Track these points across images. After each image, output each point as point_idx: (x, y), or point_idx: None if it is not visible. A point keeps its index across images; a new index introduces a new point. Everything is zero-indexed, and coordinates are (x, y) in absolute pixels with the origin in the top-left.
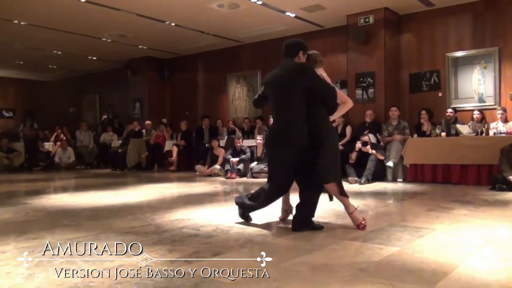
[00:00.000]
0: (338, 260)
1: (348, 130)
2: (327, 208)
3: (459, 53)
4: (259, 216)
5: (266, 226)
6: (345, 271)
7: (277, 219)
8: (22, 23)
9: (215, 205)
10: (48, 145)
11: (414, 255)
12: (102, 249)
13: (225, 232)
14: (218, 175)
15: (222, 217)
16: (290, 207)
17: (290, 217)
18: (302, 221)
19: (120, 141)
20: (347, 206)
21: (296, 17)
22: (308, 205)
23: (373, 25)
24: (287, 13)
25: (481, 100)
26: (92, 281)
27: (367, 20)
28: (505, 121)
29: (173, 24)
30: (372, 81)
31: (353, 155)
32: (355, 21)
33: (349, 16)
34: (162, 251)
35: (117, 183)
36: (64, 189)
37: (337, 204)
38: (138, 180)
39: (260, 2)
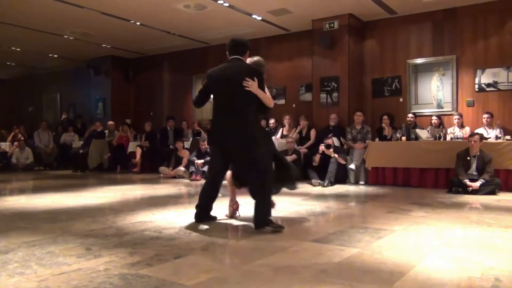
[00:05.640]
0: (299, 262)
1: (313, 133)
2: (290, 210)
3: (419, 60)
4: (222, 218)
5: (229, 228)
6: (306, 272)
7: (239, 221)
8: None
9: (178, 207)
10: (5, 145)
11: (373, 256)
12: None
13: (188, 235)
14: (183, 177)
15: (185, 219)
16: (237, 203)
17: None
18: (263, 219)
19: (82, 142)
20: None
21: (262, 20)
22: (264, 203)
23: (337, 31)
24: (253, 16)
25: (439, 106)
26: (48, 285)
27: (332, 25)
28: (462, 126)
29: (138, 23)
30: (336, 85)
31: (317, 158)
32: (320, 26)
33: (314, 21)
34: (123, 254)
35: (78, 184)
36: (21, 191)
37: (300, 207)
38: (99, 181)
39: (227, 4)
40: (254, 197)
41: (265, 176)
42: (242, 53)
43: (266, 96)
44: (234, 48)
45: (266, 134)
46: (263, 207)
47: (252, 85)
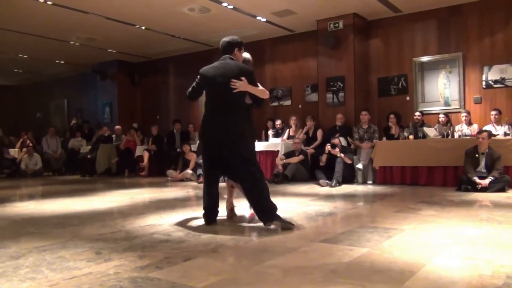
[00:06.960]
0: (309, 262)
1: (319, 133)
2: (298, 211)
3: (425, 58)
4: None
5: (238, 230)
6: (316, 273)
7: (250, 223)
8: None
9: (187, 210)
10: (14, 152)
11: (383, 256)
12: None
13: (197, 237)
14: (190, 180)
15: (194, 221)
16: (231, 204)
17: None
18: (268, 214)
19: (89, 147)
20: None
21: (267, 21)
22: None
23: (342, 30)
24: (258, 18)
25: (446, 103)
26: None
27: (336, 25)
28: (469, 123)
29: (143, 27)
30: (342, 85)
31: (323, 158)
32: (325, 26)
33: (319, 21)
34: (132, 257)
35: (86, 189)
36: (31, 197)
37: (308, 207)
38: (108, 186)
39: (231, 7)
40: (248, 196)
41: (256, 175)
42: (231, 52)
43: (258, 90)
44: (224, 48)
45: (253, 132)
46: (261, 202)
47: (240, 85)
